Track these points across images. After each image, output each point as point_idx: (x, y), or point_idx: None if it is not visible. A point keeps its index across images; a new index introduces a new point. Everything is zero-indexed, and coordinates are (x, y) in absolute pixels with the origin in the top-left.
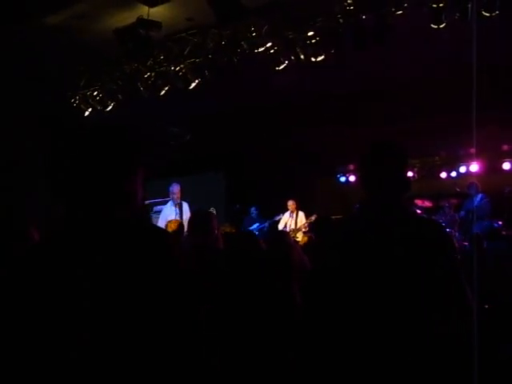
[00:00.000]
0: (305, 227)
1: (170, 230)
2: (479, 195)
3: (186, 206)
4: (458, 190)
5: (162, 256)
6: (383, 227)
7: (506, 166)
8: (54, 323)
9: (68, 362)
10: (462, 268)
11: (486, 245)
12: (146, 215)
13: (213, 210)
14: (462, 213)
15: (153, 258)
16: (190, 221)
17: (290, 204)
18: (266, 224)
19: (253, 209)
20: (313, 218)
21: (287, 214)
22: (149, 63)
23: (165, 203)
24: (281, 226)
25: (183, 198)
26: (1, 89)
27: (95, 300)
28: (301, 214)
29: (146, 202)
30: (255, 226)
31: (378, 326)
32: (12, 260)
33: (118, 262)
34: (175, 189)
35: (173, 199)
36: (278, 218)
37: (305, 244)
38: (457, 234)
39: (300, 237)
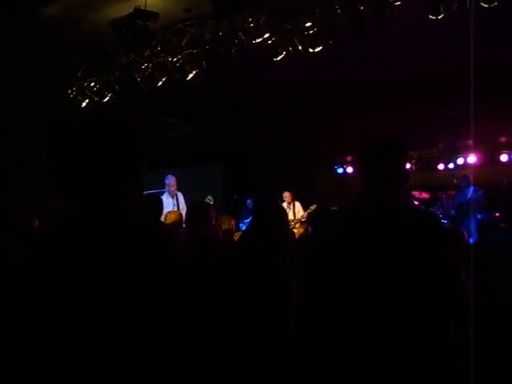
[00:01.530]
0: (304, 217)
1: (169, 220)
2: (471, 187)
3: (181, 196)
4: (455, 181)
5: (160, 254)
6: (379, 219)
7: (503, 157)
8: (53, 322)
9: (67, 362)
10: (458, 260)
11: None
12: (151, 211)
13: (210, 199)
14: (452, 211)
15: (151, 257)
16: (188, 212)
17: (287, 195)
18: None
19: (249, 201)
20: (313, 207)
21: (284, 205)
22: (146, 54)
23: (161, 195)
24: None
25: (181, 189)
26: None
27: (93, 298)
28: (297, 204)
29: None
30: (251, 218)
31: (374, 320)
32: (12, 260)
33: (115, 259)
34: (171, 181)
35: (169, 191)
36: None
37: (301, 235)
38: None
39: (297, 227)
